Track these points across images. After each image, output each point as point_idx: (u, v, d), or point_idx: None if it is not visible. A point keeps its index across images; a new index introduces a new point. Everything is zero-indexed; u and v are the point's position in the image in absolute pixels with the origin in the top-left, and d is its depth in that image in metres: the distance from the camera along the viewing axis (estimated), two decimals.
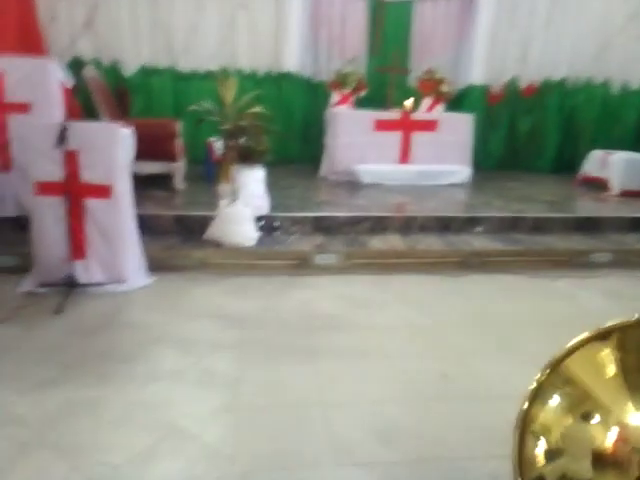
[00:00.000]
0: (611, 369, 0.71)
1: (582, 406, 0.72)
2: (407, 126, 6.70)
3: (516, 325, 3.28)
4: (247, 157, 4.34)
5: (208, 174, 5.90)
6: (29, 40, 5.95)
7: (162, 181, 5.43)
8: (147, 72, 7.03)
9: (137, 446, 2.08)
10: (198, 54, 7.22)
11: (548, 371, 0.76)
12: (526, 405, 0.77)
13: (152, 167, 5.21)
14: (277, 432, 2.21)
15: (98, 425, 2.21)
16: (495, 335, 3.14)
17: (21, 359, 2.70)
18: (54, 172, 3.43)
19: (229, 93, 4.15)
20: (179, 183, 5.46)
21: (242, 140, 4.29)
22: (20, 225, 4.19)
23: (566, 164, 7.64)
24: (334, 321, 3.26)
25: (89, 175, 3.48)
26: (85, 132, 3.46)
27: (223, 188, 4.28)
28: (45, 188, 3.47)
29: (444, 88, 7.32)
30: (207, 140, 6.06)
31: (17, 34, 5.71)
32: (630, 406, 0.68)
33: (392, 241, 4.44)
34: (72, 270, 3.46)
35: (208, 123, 4.53)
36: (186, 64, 7.19)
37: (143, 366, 2.67)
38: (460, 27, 8.12)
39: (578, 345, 0.75)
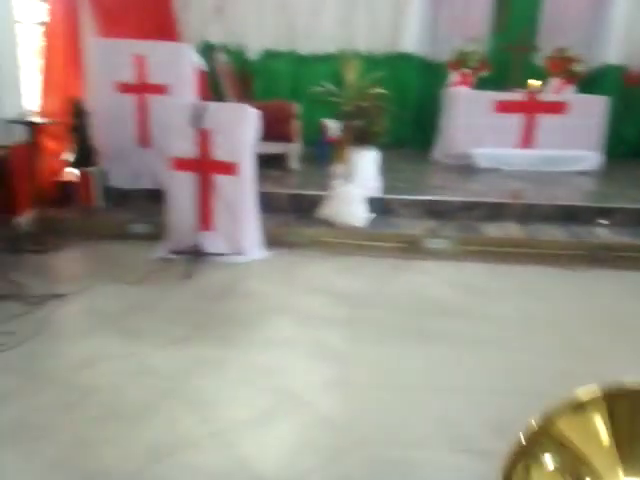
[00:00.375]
0: (603, 434, 0.67)
1: (574, 469, 0.68)
2: (531, 108, 6.27)
3: None
4: (363, 138, 4.37)
5: (321, 155, 6.02)
6: (165, 26, 6.44)
7: (277, 161, 5.64)
8: (269, 56, 7.28)
9: (258, 406, 2.25)
10: (318, 37, 7.32)
11: (536, 430, 0.71)
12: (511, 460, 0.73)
13: (269, 147, 5.42)
14: (388, 410, 2.26)
15: (223, 383, 2.41)
16: (625, 338, 2.90)
17: (156, 318, 3.01)
18: (189, 149, 3.72)
19: (351, 74, 4.18)
20: (294, 163, 5.65)
21: (359, 121, 4.32)
22: (155, 196, 4.63)
23: None
24: (446, 307, 3.22)
25: (219, 153, 3.73)
26: (218, 113, 3.70)
27: (337, 169, 4.36)
28: (180, 164, 3.78)
29: (576, 67, 6.73)
30: (321, 121, 6.17)
31: (154, 20, 6.20)
32: (620, 474, 0.64)
33: (509, 229, 4.24)
34: (199, 240, 3.76)
35: (326, 104, 4.62)
36: (306, 47, 7.34)
37: (262, 333, 2.86)
38: (595, 2, 7.39)
39: (569, 407, 0.70)
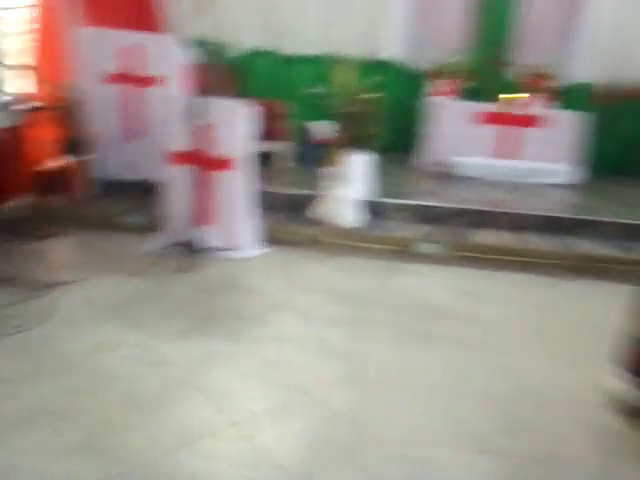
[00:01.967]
0: None
1: None
2: (509, 120, 6.52)
3: None
4: (357, 141, 4.43)
5: (308, 156, 6.05)
6: (149, 20, 6.32)
7: (267, 160, 5.64)
8: (254, 54, 7.28)
9: (272, 399, 2.26)
10: (302, 38, 7.37)
11: None
12: None
13: (259, 146, 5.42)
14: (399, 408, 2.31)
15: (235, 375, 2.42)
16: (607, 345, 3.04)
17: (159, 309, 2.97)
18: (186, 143, 3.68)
19: (345, 78, 4.24)
20: (284, 162, 5.66)
21: (354, 124, 4.37)
22: (147, 188, 4.54)
23: None
24: (441, 309, 3.31)
25: (217, 148, 3.72)
26: (217, 108, 3.68)
27: (329, 170, 4.40)
28: (178, 158, 3.75)
29: (550, 84, 7.04)
30: (308, 123, 6.21)
31: (135, 13, 6.08)
32: None
33: (500, 237, 4.39)
34: (196, 234, 3.73)
35: (319, 106, 4.66)
36: (290, 47, 7.37)
37: (267, 328, 2.87)
38: (567, 22, 7.75)
39: None
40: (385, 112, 4.67)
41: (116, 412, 2.10)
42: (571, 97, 7.51)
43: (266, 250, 3.95)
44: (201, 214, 3.77)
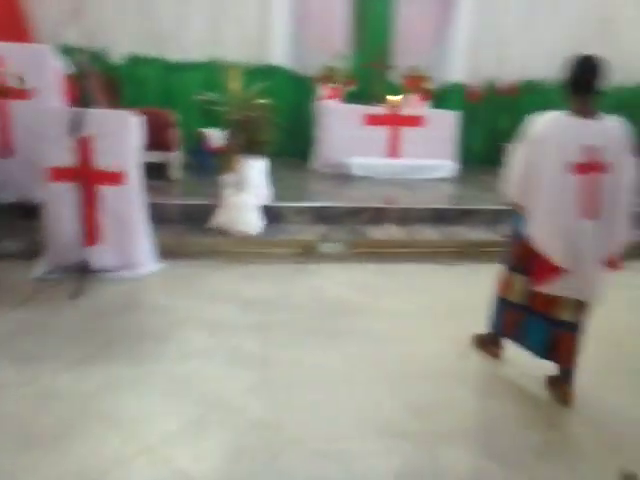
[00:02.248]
0: None
1: None
2: (395, 121, 6.89)
3: None
4: (250, 147, 4.42)
5: (201, 164, 5.93)
6: (15, 27, 5.81)
7: (157, 171, 5.42)
8: (135, 61, 6.97)
9: (187, 416, 2.19)
10: (185, 44, 7.20)
11: None
12: None
13: (148, 156, 5.20)
14: (314, 406, 2.35)
15: (143, 398, 2.30)
16: None
17: (50, 340, 2.73)
18: (67, 158, 3.44)
19: (234, 84, 4.22)
20: (175, 173, 5.48)
21: (246, 131, 4.36)
22: (24, 211, 4.17)
23: None
24: (346, 306, 3.42)
25: (102, 162, 3.51)
26: (98, 119, 3.48)
27: (228, 178, 4.35)
28: (59, 174, 3.48)
29: (427, 85, 7.55)
30: (199, 130, 6.09)
31: (2, 21, 5.58)
32: None
33: (391, 231, 4.62)
34: (85, 256, 3.48)
35: (209, 113, 4.58)
36: (174, 54, 7.17)
37: (174, 345, 2.76)
38: (440, 25, 8.37)
39: None
40: (277, 117, 4.71)
41: (5, 456, 1.89)
42: (446, 97, 8.13)
43: (164, 265, 3.81)
44: (90, 233, 3.53)
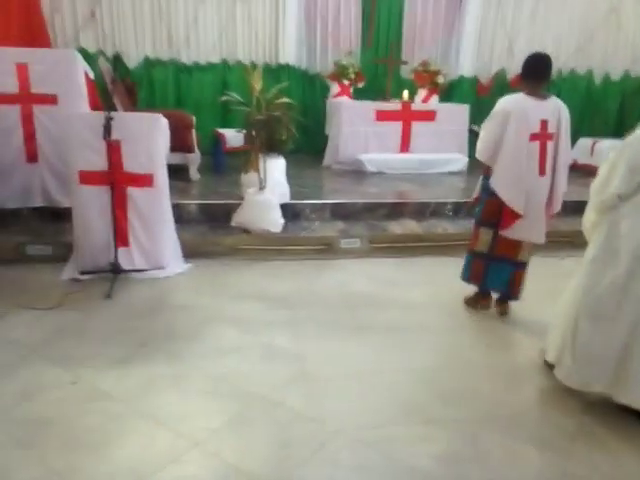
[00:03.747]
0: None
1: None
2: (407, 116, 6.94)
3: None
4: (272, 146, 4.50)
5: (219, 164, 6.02)
6: (33, 33, 5.90)
7: (178, 172, 5.51)
8: (150, 64, 7.05)
9: (229, 412, 2.27)
10: (199, 46, 7.27)
11: None
12: None
13: (169, 158, 5.28)
14: (350, 397, 2.43)
15: (185, 396, 2.38)
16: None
17: (88, 341, 2.83)
18: (98, 162, 3.53)
19: (257, 84, 4.29)
20: (194, 174, 5.57)
21: (267, 130, 4.43)
22: (48, 215, 4.28)
23: None
24: (370, 299, 3.50)
25: (132, 164, 3.60)
26: (128, 122, 3.57)
27: (250, 177, 4.44)
28: (89, 178, 3.57)
29: (439, 79, 7.58)
30: (216, 130, 6.17)
31: (21, 27, 5.66)
32: None
33: (409, 226, 4.69)
34: (115, 257, 3.58)
35: (223, 114, 4.64)
36: (187, 56, 7.24)
37: (207, 343, 2.85)
38: (450, 20, 8.38)
39: None
40: (296, 116, 4.78)
41: (58, 459, 1.95)
42: (456, 90, 8.15)
43: (191, 265, 3.90)
44: (119, 235, 3.63)
